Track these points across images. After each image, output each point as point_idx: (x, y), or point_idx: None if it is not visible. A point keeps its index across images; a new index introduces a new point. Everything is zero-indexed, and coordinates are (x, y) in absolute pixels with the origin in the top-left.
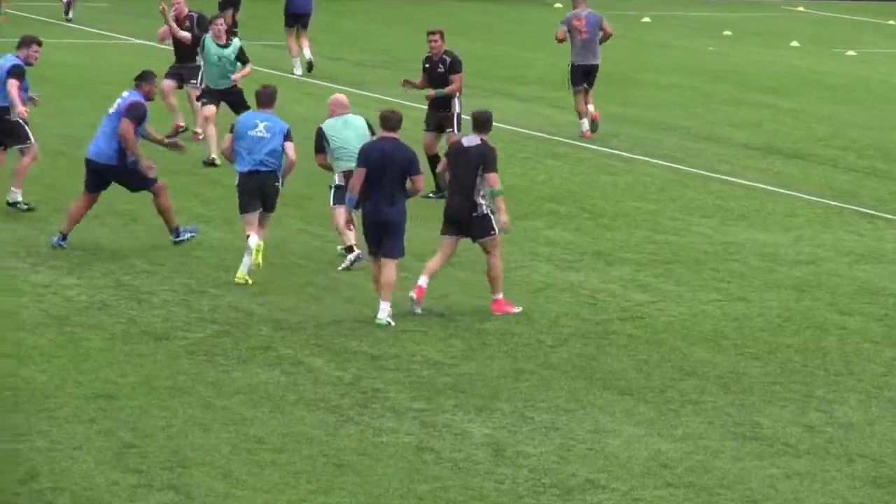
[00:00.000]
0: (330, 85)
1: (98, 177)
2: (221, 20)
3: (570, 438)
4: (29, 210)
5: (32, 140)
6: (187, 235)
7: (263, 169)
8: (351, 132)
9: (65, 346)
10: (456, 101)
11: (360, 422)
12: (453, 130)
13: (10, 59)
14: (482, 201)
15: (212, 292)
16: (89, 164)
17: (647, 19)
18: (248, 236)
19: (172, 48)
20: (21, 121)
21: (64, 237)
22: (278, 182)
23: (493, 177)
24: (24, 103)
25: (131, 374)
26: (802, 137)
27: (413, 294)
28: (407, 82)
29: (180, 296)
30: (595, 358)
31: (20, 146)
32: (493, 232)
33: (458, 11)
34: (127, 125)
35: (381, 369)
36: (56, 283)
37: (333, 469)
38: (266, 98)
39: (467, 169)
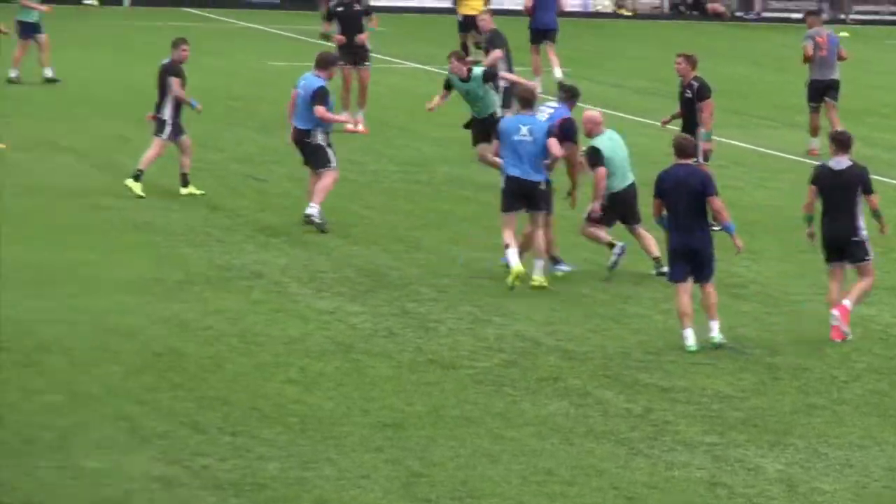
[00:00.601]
0: (611, 112)
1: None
2: (453, 57)
3: (865, 476)
4: (322, 231)
5: (334, 163)
6: (565, 268)
7: (530, 178)
8: (619, 152)
9: (350, 373)
10: (701, 130)
11: (651, 455)
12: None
13: (313, 81)
14: (862, 224)
15: (497, 321)
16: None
17: None
18: (506, 246)
19: None
20: (324, 145)
21: (556, 261)
22: (544, 186)
23: (874, 198)
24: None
25: (418, 403)
26: None
27: (836, 312)
28: (665, 122)
29: (466, 324)
30: (888, 394)
31: (321, 169)
32: (867, 257)
33: (752, 39)
34: (569, 147)
35: (671, 402)
36: (341, 309)
37: (624, 502)
38: (527, 101)
39: (844, 192)
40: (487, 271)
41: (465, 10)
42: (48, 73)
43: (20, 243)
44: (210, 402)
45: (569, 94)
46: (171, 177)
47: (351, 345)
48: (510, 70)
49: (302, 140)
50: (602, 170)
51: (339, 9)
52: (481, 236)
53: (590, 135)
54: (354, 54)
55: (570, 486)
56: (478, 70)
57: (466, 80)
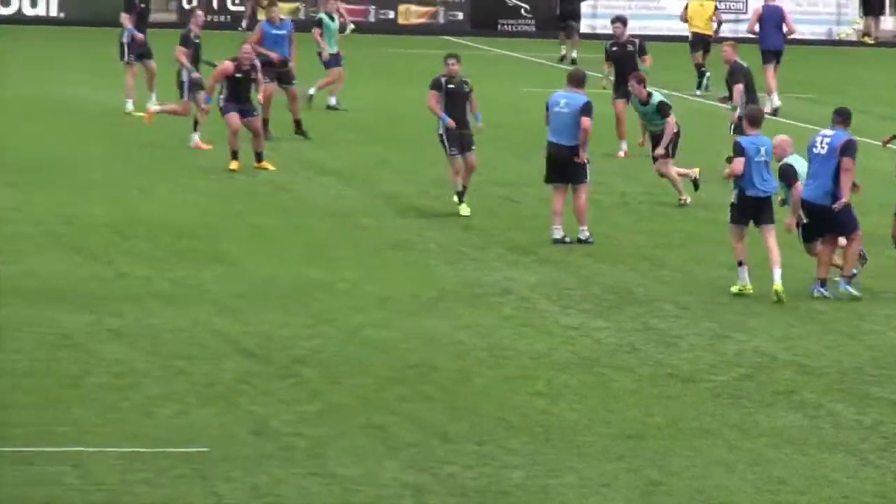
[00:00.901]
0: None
1: (814, 220)
2: (633, 79)
3: None
4: (586, 243)
5: (589, 179)
6: (852, 291)
7: (764, 194)
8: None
9: (594, 386)
10: None
11: (880, 465)
12: None
13: (578, 97)
14: None
15: (736, 337)
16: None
17: None
18: (739, 263)
19: None
20: (587, 162)
21: (824, 283)
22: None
23: None
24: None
25: (658, 415)
26: None
27: None
28: (886, 142)
29: (706, 340)
30: None
31: (579, 184)
32: None
33: None
34: (848, 164)
35: None
36: (586, 325)
37: None
38: (756, 120)
39: None
40: (726, 290)
41: (695, 29)
42: (332, 101)
43: (283, 261)
44: (459, 412)
45: (843, 118)
46: (429, 197)
47: (595, 359)
48: (752, 96)
49: (568, 157)
50: (800, 185)
51: (614, 48)
52: (723, 256)
53: (781, 157)
54: (628, 90)
55: (802, 494)
56: (657, 98)
57: (646, 103)
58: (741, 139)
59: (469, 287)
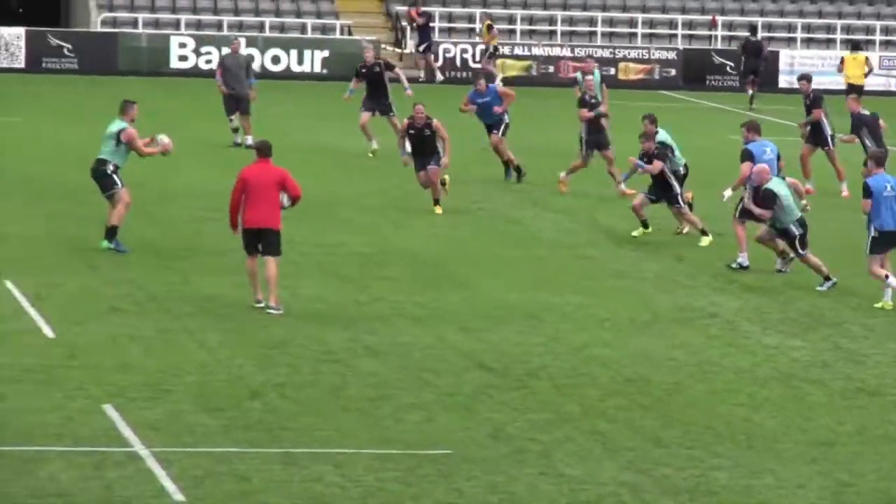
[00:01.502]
0: None
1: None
2: (647, 120)
3: None
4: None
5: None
6: None
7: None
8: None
9: (790, 398)
10: None
11: None
12: None
13: (774, 145)
14: None
15: None
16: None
17: None
18: (885, 276)
19: None
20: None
21: None
22: None
23: None
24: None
25: (848, 424)
26: None
27: None
28: None
29: (890, 358)
30: None
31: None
32: None
33: None
34: None
35: None
36: (783, 344)
37: None
38: (880, 160)
39: None
40: None
41: (849, 80)
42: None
43: (517, 286)
44: (671, 421)
45: None
46: (654, 234)
47: (791, 374)
48: (878, 142)
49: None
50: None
51: (805, 101)
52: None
53: (761, 184)
54: (817, 137)
55: None
56: (658, 139)
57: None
58: (869, 179)
59: (680, 311)
